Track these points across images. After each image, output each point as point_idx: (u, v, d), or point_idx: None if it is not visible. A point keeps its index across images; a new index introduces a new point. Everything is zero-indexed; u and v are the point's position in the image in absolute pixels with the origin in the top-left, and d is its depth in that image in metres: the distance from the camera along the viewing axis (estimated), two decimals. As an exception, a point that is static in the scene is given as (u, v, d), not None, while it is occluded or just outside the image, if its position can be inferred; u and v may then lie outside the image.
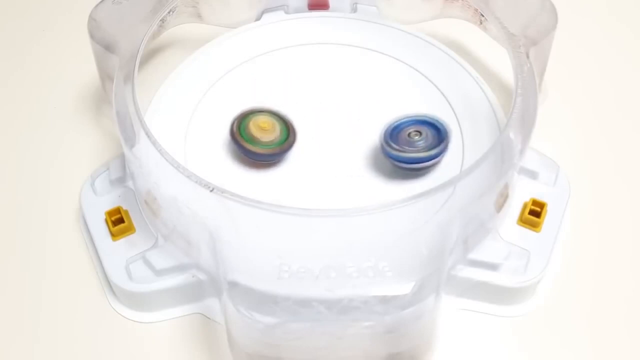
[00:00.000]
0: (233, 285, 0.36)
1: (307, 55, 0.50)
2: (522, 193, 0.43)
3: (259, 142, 0.43)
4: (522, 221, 0.42)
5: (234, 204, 0.37)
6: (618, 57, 0.53)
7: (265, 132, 0.43)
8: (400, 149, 0.42)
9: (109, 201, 0.43)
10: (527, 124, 0.40)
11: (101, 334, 0.41)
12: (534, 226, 0.42)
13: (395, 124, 0.43)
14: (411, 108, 0.46)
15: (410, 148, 0.42)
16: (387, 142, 0.42)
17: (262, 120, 0.44)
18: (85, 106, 0.50)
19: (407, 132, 0.43)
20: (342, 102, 0.47)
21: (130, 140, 0.40)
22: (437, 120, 0.43)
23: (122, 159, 0.44)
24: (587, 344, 0.41)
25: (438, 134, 0.43)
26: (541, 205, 0.42)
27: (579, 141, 0.48)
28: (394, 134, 0.43)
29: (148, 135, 0.39)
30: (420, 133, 0.43)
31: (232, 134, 0.43)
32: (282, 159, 0.44)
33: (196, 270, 0.40)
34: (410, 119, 0.43)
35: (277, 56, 0.50)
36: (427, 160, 0.42)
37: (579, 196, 0.44)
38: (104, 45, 0.44)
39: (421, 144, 0.42)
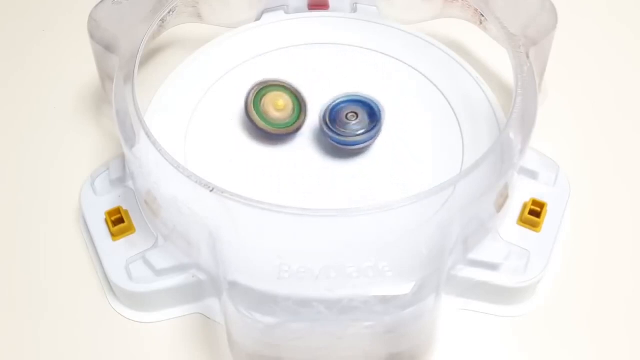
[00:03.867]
0: (233, 285, 0.36)
1: (307, 55, 0.50)
2: (522, 193, 0.43)
3: (271, 121, 0.44)
4: (522, 221, 0.42)
5: (234, 204, 0.37)
6: (618, 57, 0.53)
7: (279, 111, 0.44)
8: (339, 132, 0.44)
9: (109, 201, 0.43)
10: (527, 124, 0.40)
11: (101, 334, 0.41)
12: (534, 226, 0.42)
13: (332, 105, 0.44)
14: (411, 108, 0.47)
15: (347, 131, 0.44)
16: (327, 126, 0.44)
17: (278, 96, 0.44)
18: (85, 106, 0.50)
19: (345, 114, 0.44)
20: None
21: (130, 140, 0.40)
22: (372, 101, 0.44)
23: (122, 159, 0.44)
24: (587, 343, 0.41)
25: (372, 113, 0.44)
26: (541, 205, 0.42)
27: (579, 141, 0.48)
28: (333, 114, 0.44)
29: (148, 135, 0.39)
30: (356, 115, 0.44)
31: (247, 106, 0.44)
32: (289, 138, 0.45)
33: (196, 270, 0.40)
34: (347, 98, 0.44)
35: (277, 56, 0.50)
36: (362, 143, 0.44)
37: (579, 196, 0.44)
38: (104, 45, 0.44)
39: (357, 126, 0.44)
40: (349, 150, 0.44)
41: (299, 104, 0.45)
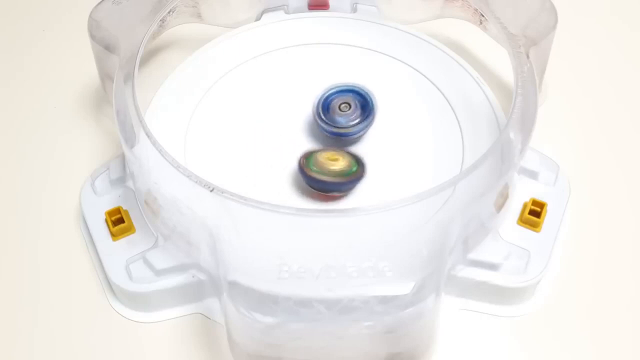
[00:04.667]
0: (233, 285, 0.36)
1: (307, 55, 0.50)
2: (522, 193, 0.43)
3: (329, 172, 0.42)
4: (522, 221, 0.42)
5: (234, 204, 0.37)
6: (618, 57, 0.53)
7: (334, 162, 0.43)
8: (333, 123, 0.44)
9: (109, 201, 0.43)
10: (527, 124, 0.40)
11: (101, 334, 0.41)
12: (534, 226, 0.42)
13: (325, 96, 0.44)
14: (411, 108, 0.47)
15: (341, 121, 0.44)
16: (320, 118, 0.44)
17: (330, 154, 0.43)
18: (85, 106, 0.50)
19: (338, 105, 0.44)
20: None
21: (130, 140, 0.40)
22: (362, 89, 0.44)
23: (122, 159, 0.44)
24: (587, 343, 0.41)
25: (365, 102, 0.44)
26: (541, 205, 0.42)
27: (579, 141, 0.48)
28: (325, 105, 0.44)
29: (148, 135, 0.39)
30: (349, 105, 0.44)
31: (301, 168, 0.42)
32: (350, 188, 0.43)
33: (196, 270, 0.40)
34: (337, 89, 0.45)
35: (277, 56, 0.50)
36: (356, 133, 0.44)
37: (579, 196, 0.44)
38: (104, 45, 0.44)
39: (350, 116, 0.44)
40: (344, 141, 0.44)
41: (354, 157, 0.43)
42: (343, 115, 0.44)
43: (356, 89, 0.45)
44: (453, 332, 0.41)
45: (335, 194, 0.43)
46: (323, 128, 0.44)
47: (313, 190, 0.43)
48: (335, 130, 0.44)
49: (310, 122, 0.46)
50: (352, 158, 0.43)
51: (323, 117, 0.44)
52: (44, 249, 0.44)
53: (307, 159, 0.43)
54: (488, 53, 0.50)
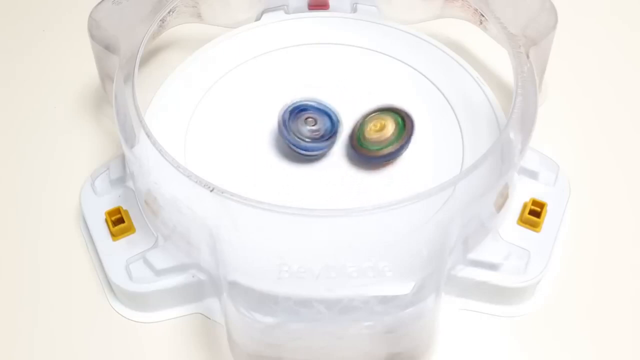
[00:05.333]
0: (233, 285, 0.36)
1: (307, 55, 0.50)
2: (522, 193, 0.43)
3: (380, 143, 0.43)
4: (522, 221, 0.42)
5: (234, 204, 0.37)
6: (618, 57, 0.53)
7: (380, 131, 0.43)
8: (294, 133, 0.43)
9: (109, 201, 0.43)
10: (527, 124, 0.40)
11: (101, 334, 0.41)
12: (534, 226, 0.42)
13: (297, 104, 0.43)
14: (411, 108, 0.46)
15: (303, 135, 0.43)
16: (284, 122, 0.43)
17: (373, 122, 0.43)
18: (85, 106, 0.50)
19: (305, 117, 0.43)
20: (342, 102, 0.47)
21: (130, 140, 0.40)
22: (333, 112, 0.43)
23: (122, 159, 0.44)
24: (587, 343, 0.41)
25: (331, 125, 0.43)
26: (541, 205, 0.42)
27: (579, 141, 0.48)
28: (294, 113, 0.43)
29: (148, 135, 0.39)
30: (315, 121, 0.43)
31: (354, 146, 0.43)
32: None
33: (196, 270, 0.40)
34: (311, 104, 0.44)
35: (277, 56, 0.50)
36: (315, 150, 0.43)
37: (579, 196, 0.45)
38: (104, 45, 0.44)
39: (313, 132, 0.43)
40: (299, 156, 0.44)
41: (403, 124, 0.44)
42: (307, 127, 0.43)
43: (328, 110, 0.44)
44: (453, 332, 0.41)
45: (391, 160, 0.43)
46: (284, 133, 0.43)
47: (362, 165, 0.43)
48: (292, 139, 0.43)
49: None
50: (394, 115, 0.43)
51: (288, 123, 0.43)
52: (44, 249, 0.44)
53: (357, 140, 0.43)
54: (488, 53, 0.50)
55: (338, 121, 0.43)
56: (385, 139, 0.43)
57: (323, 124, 0.43)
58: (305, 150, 0.43)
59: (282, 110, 0.43)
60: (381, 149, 0.43)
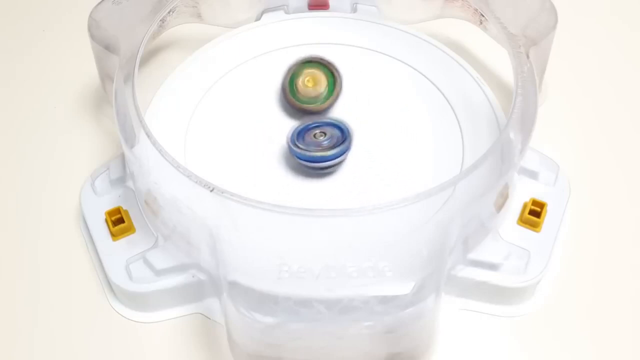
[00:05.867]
0: (233, 285, 0.36)
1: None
2: (522, 193, 0.43)
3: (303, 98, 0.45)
4: (522, 221, 0.42)
5: (234, 204, 0.37)
6: (618, 57, 0.53)
7: (311, 87, 0.45)
8: (306, 148, 0.43)
9: (109, 201, 0.43)
10: (527, 124, 0.40)
11: (101, 334, 0.41)
12: (534, 226, 0.42)
13: (302, 126, 0.44)
14: (411, 108, 0.47)
15: (315, 147, 0.43)
16: (293, 143, 0.43)
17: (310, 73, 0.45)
18: (85, 106, 0.50)
19: (313, 134, 0.44)
20: (342, 102, 0.47)
21: (130, 140, 0.40)
22: (340, 122, 0.44)
23: (122, 159, 0.44)
24: (587, 343, 0.41)
25: (342, 134, 0.43)
26: (541, 205, 0.42)
27: (579, 141, 0.48)
28: (301, 135, 0.44)
29: (148, 135, 0.39)
30: (324, 134, 0.44)
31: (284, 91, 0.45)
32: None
33: (196, 270, 0.40)
34: (315, 122, 0.44)
35: (277, 56, 0.49)
36: (332, 159, 0.43)
37: (579, 196, 0.45)
38: (104, 45, 0.44)
39: (326, 143, 0.43)
40: (313, 171, 0.44)
41: (333, 80, 0.46)
42: (317, 141, 0.43)
43: (333, 122, 0.44)
44: (453, 332, 0.41)
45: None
46: (297, 154, 0.43)
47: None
48: (307, 154, 0.43)
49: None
50: (327, 74, 0.46)
51: (298, 144, 0.43)
52: (44, 249, 0.44)
53: (290, 86, 0.45)
54: (488, 53, 0.50)
55: (347, 129, 0.44)
56: (318, 94, 0.45)
57: (333, 133, 0.44)
58: (320, 161, 0.43)
59: (289, 137, 0.43)
60: (317, 104, 0.45)
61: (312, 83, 0.45)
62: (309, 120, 0.44)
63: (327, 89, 0.46)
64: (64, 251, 0.44)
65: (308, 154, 0.43)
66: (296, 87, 0.45)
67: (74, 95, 0.51)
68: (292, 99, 0.46)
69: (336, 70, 0.46)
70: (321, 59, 0.46)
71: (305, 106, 0.45)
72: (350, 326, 0.36)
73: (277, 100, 0.47)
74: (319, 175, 0.44)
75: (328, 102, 0.46)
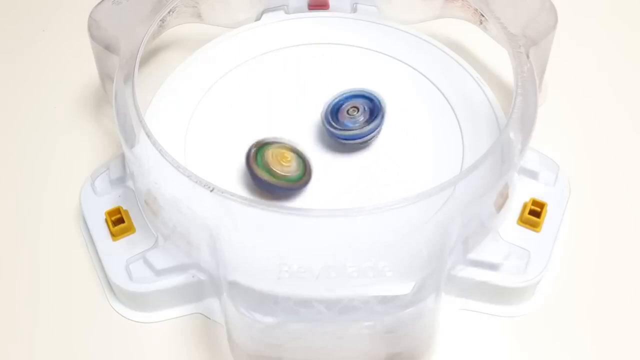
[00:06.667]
0: (233, 285, 0.36)
1: (307, 55, 0.50)
2: (522, 193, 0.43)
3: (276, 174, 0.42)
4: (522, 221, 0.42)
5: (234, 204, 0.37)
6: (618, 57, 0.53)
7: (282, 165, 0.42)
8: (341, 127, 0.43)
9: (109, 201, 0.43)
10: (527, 124, 0.40)
11: (101, 334, 0.41)
12: (534, 226, 0.42)
13: (334, 102, 0.44)
14: (411, 108, 0.47)
15: (352, 125, 0.43)
16: (328, 122, 0.43)
17: (281, 152, 0.42)
18: (85, 106, 0.50)
19: (346, 109, 0.44)
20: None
21: (130, 140, 0.40)
22: (371, 93, 0.44)
23: (122, 159, 0.44)
24: (587, 343, 0.41)
25: (374, 105, 0.44)
26: (541, 205, 0.42)
27: (579, 141, 0.48)
28: (334, 111, 0.44)
29: (148, 135, 0.39)
30: (357, 109, 0.44)
31: (248, 160, 0.42)
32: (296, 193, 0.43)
33: (196, 270, 0.40)
34: (347, 94, 0.44)
35: (277, 56, 0.50)
36: (368, 134, 0.44)
37: (579, 196, 0.45)
38: (104, 45, 0.44)
39: (360, 119, 0.44)
40: (352, 146, 0.44)
41: (303, 161, 0.43)
42: (351, 119, 0.44)
43: (365, 93, 0.44)
44: (453, 332, 0.41)
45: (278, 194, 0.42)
46: (333, 133, 0.44)
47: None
48: (344, 134, 0.43)
49: (310, 121, 0.46)
50: (300, 162, 0.43)
51: (332, 122, 0.44)
52: (44, 249, 0.44)
53: (257, 150, 0.42)
54: (488, 53, 0.50)
55: (380, 102, 0.44)
56: (287, 172, 0.42)
57: (365, 109, 0.44)
58: (358, 138, 0.44)
59: (323, 112, 0.44)
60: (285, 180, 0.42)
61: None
62: (338, 96, 0.44)
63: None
64: (64, 251, 0.44)
65: (346, 132, 0.43)
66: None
67: (74, 95, 0.51)
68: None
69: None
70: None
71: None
72: (350, 326, 0.36)
73: (277, 100, 0.47)
74: (319, 175, 0.44)
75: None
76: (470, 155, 0.44)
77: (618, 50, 0.53)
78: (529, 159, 0.43)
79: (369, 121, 0.44)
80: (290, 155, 0.42)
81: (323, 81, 0.48)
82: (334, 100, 0.44)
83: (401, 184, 0.43)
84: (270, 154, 0.42)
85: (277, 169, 0.42)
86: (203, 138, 0.45)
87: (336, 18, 0.52)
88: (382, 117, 0.44)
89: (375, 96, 0.44)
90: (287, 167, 0.42)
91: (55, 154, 0.48)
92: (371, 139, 0.44)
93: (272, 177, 0.42)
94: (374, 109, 0.44)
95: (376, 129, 0.44)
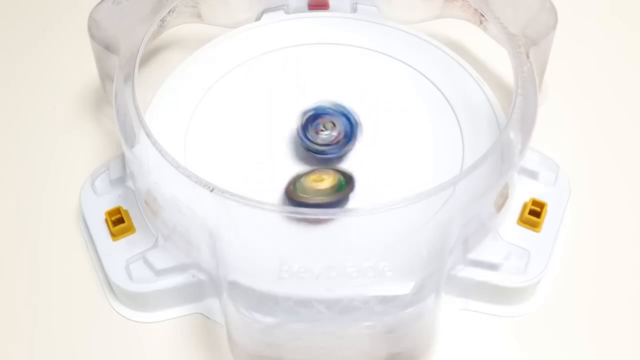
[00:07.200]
0: (233, 285, 0.36)
1: (307, 55, 0.50)
2: (522, 193, 0.43)
3: (316, 192, 0.42)
4: (522, 221, 0.42)
5: (234, 204, 0.37)
6: (618, 57, 0.53)
7: (319, 182, 0.42)
8: (312, 139, 0.43)
9: (109, 201, 0.43)
10: (527, 124, 0.40)
11: (101, 334, 0.41)
12: (534, 226, 0.42)
13: (313, 112, 0.44)
14: (411, 108, 0.47)
15: (321, 140, 0.43)
16: (302, 130, 0.43)
17: (314, 175, 0.43)
18: (85, 106, 0.50)
19: (323, 123, 0.44)
20: (342, 102, 0.47)
21: (130, 140, 0.40)
22: (350, 114, 0.44)
23: (122, 159, 0.44)
24: (587, 343, 0.41)
25: (350, 127, 0.44)
26: (541, 205, 0.42)
27: (579, 141, 0.48)
28: (311, 119, 0.44)
29: (148, 135, 0.39)
30: (334, 125, 0.44)
31: (287, 192, 0.42)
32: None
33: (196, 270, 0.40)
34: (327, 108, 0.44)
35: (277, 56, 0.50)
36: (333, 153, 0.43)
37: (579, 196, 0.44)
38: (104, 45, 0.44)
39: (332, 136, 0.43)
40: (323, 160, 0.44)
41: (342, 174, 0.43)
42: (323, 134, 0.43)
43: (344, 111, 0.44)
44: (453, 332, 0.41)
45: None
46: (304, 142, 0.43)
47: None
48: (312, 147, 0.43)
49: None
50: (338, 174, 0.42)
51: (305, 132, 0.43)
52: (44, 249, 0.44)
53: (294, 185, 0.42)
54: (488, 53, 0.50)
55: (357, 123, 0.44)
56: (322, 189, 0.42)
57: (341, 125, 0.44)
58: (326, 154, 0.43)
59: (300, 120, 0.44)
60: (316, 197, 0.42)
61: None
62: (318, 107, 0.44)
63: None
64: (64, 251, 0.44)
65: (314, 147, 0.43)
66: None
67: (74, 95, 0.51)
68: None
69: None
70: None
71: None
72: (350, 326, 0.36)
73: (277, 100, 0.47)
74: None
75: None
76: (470, 155, 0.44)
77: (618, 50, 0.53)
78: (529, 159, 0.43)
79: (340, 139, 0.43)
80: (324, 174, 0.43)
81: (323, 81, 0.48)
82: (310, 111, 0.44)
83: (401, 184, 0.43)
84: (306, 182, 0.42)
85: (317, 187, 0.42)
86: (203, 138, 0.45)
87: (336, 18, 0.52)
88: (355, 137, 0.44)
89: (352, 116, 0.44)
90: (326, 183, 0.42)
91: (55, 154, 0.48)
92: (341, 155, 0.44)
93: (316, 196, 0.42)
94: (350, 130, 0.44)
95: (345, 148, 0.43)
